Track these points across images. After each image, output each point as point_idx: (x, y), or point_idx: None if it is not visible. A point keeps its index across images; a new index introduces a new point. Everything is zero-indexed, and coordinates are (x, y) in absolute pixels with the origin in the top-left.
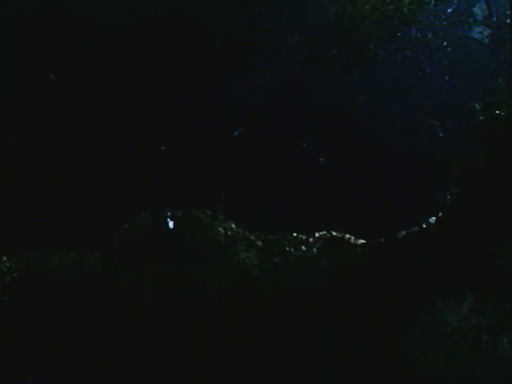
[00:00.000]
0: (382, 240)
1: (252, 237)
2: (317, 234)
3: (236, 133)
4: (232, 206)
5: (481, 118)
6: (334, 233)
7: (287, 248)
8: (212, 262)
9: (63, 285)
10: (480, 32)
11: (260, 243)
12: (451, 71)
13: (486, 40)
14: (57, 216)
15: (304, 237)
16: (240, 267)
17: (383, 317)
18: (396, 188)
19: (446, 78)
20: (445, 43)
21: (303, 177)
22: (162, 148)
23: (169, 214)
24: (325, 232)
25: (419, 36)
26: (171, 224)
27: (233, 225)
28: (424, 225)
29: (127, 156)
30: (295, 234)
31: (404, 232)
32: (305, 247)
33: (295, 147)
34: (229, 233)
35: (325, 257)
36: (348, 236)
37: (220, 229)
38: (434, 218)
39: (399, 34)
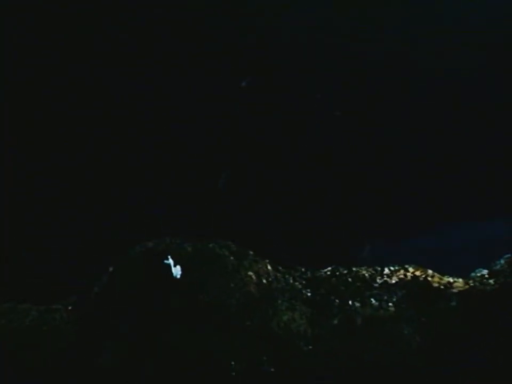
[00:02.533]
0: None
1: (297, 284)
2: (386, 271)
3: (244, 84)
4: (258, 233)
5: None
6: (411, 270)
7: (350, 303)
8: (240, 330)
9: (18, 358)
10: None
11: (308, 293)
12: None
13: None
14: (11, 255)
15: (367, 275)
16: (282, 337)
17: None
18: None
19: None
20: None
21: (352, 185)
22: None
23: (170, 260)
24: (397, 268)
25: None
26: (177, 270)
27: (269, 267)
28: None
29: (114, 164)
30: (354, 270)
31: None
32: (375, 300)
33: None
34: (264, 280)
35: (408, 317)
36: (430, 273)
37: (250, 273)
38: None
39: None
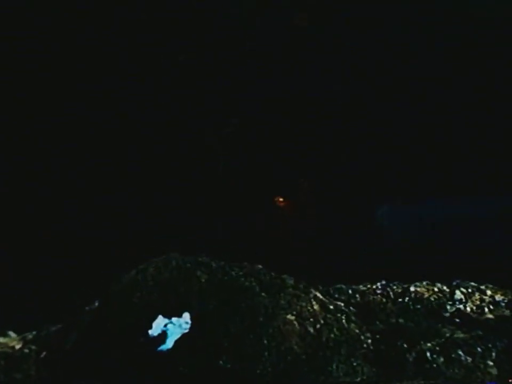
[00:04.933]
0: None
1: (353, 326)
2: (457, 294)
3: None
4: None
5: None
6: (489, 293)
7: (428, 355)
8: None
9: None
10: None
11: (368, 339)
12: None
13: None
14: None
15: (432, 299)
16: None
17: None
18: None
19: None
20: None
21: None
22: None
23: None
24: (470, 290)
25: None
26: (184, 323)
27: (315, 304)
28: None
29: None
30: (412, 289)
31: None
32: (463, 352)
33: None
34: (310, 328)
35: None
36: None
37: (291, 318)
38: None
39: None
